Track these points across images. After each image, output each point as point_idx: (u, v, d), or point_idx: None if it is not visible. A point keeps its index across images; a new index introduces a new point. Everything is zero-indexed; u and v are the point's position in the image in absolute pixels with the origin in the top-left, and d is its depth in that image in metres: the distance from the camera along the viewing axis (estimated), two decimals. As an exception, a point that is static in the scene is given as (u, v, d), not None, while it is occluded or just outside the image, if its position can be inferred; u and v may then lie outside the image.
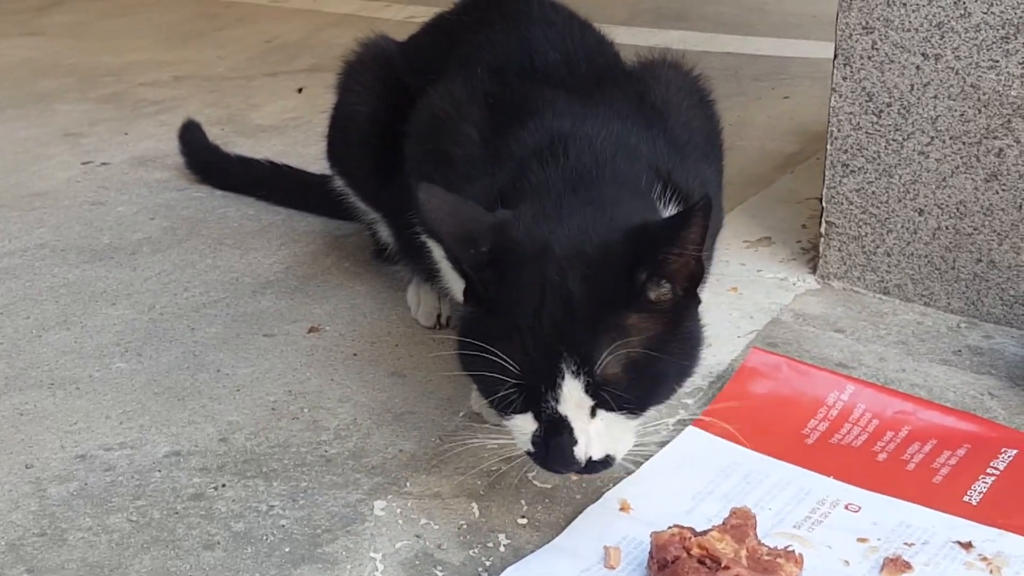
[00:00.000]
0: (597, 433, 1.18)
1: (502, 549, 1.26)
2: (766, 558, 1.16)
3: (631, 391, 1.18)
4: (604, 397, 1.16)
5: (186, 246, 2.00)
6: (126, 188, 2.28)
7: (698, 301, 1.24)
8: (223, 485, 1.37)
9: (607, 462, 1.20)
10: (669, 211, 1.32)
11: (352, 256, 1.94)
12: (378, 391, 1.56)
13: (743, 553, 1.17)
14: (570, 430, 1.17)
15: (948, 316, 1.70)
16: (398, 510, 1.33)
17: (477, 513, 1.32)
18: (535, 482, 1.37)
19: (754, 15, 3.49)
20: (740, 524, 1.21)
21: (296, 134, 2.58)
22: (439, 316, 1.70)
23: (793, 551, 1.18)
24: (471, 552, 1.26)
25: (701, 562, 1.15)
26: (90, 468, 1.41)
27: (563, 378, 1.14)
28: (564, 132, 1.35)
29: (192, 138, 2.27)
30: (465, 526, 1.30)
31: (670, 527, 1.22)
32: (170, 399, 1.55)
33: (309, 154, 2.37)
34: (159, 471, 1.40)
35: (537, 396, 1.16)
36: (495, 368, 1.15)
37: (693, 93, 1.53)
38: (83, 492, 1.36)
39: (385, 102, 1.66)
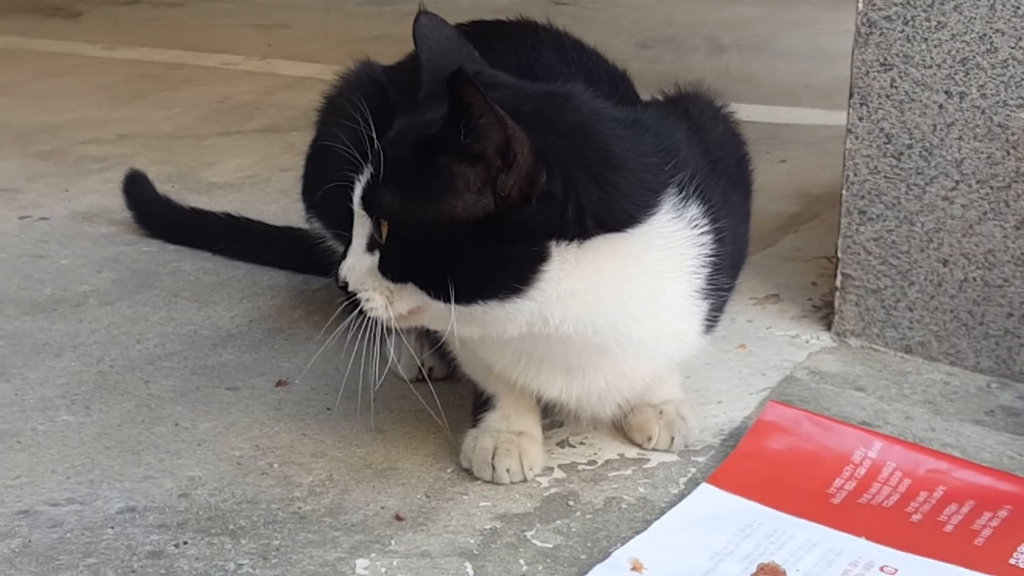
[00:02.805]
0: (362, 266, 1.29)
1: (501, 612, 1.23)
2: (803, 613, 1.14)
3: (392, 246, 1.26)
4: (377, 227, 1.26)
5: (137, 299, 1.97)
6: (69, 242, 2.25)
7: (538, 224, 1.22)
8: (185, 542, 1.33)
9: (354, 297, 1.30)
10: (690, 210, 1.31)
11: (322, 309, 1.91)
12: (356, 446, 1.52)
13: (777, 609, 1.14)
14: (350, 245, 1.31)
15: (976, 376, 1.69)
16: (383, 569, 1.28)
17: (471, 573, 1.28)
18: (535, 541, 1.33)
19: (740, 84, 3.56)
20: (770, 580, 1.18)
21: (253, 191, 2.57)
22: (421, 367, 1.67)
23: (831, 607, 1.15)
24: (467, 615, 1.22)
25: (732, 617, 1.12)
26: (34, 524, 1.35)
27: (361, 176, 1.28)
28: (568, 91, 1.32)
29: (138, 190, 2.25)
30: (459, 587, 1.26)
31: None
32: (123, 453, 1.50)
33: (269, 211, 2.36)
34: (112, 528, 1.35)
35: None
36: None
37: (726, 125, 1.55)
38: (27, 549, 1.31)
39: (371, 134, 1.65)
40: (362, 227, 1.30)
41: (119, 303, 1.96)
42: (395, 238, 1.27)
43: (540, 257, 1.23)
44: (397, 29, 4.45)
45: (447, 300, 1.24)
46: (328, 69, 3.69)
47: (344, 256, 1.33)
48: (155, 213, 2.24)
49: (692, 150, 1.37)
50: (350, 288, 1.31)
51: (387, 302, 1.29)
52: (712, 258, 1.33)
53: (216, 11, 4.96)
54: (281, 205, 2.40)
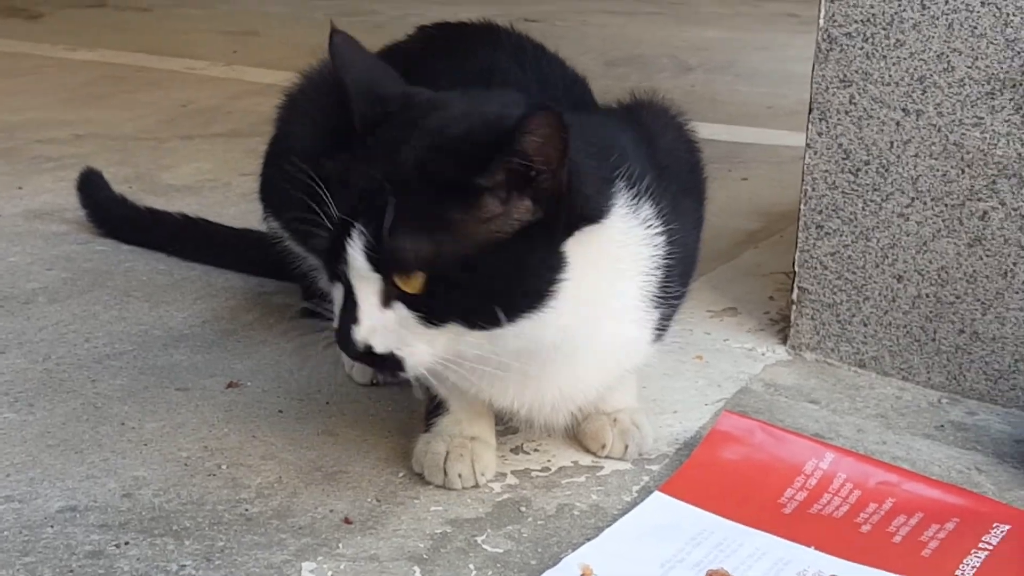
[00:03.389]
0: (384, 324, 1.20)
1: (448, 616, 1.22)
2: (749, 619, 1.13)
3: (431, 291, 1.18)
4: (393, 281, 1.18)
5: (88, 297, 1.95)
6: (19, 239, 2.22)
7: (564, 231, 1.21)
8: (126, 543, 1.31)
9: (392, 362, 1.22)
10: (643, 209, 1.30)
11: (277, 312, 1.90)
12: (306, 449, 1.51)
13: (722, 616, 1.13)
14: (355, 306, 1.20)
15: (928, 391, 1.70)
16: (329, 573, 1.27)
17: (419, 578, 1.27)
18: (485, 546, 1.32)
19: (705, 103, 3.57)
20: (717, 587, 1.18)
21: (213, 195, 2.55)
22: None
23: (777, 614, 1.15)
24: (412, 618, 1.21)
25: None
26: (-29, 521, 1.33)
27: (351, 235, 1.18)
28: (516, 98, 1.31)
29: (93, 188, 2.23)
30: (405, 591, 1.25)
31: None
32: (66, 451, 1.48)
33: (228, 215, 2.34)
34: (52, 526, 1.33)
35: (335, 253, 1.20)
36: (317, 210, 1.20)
37: (679, 132, 1.54)
38: (-37, 545, 1.29)
39: (331, 134, 1.64)
40: (368, 286, 1.20)
41: (69, 301, 1.93)
42: (432, 283, 1.18)
43: (560, 260, 1.22)
44: (365, 40, 4.44)
45: (495, 324, 1.20)
46: (295, 77, 3.71)
47: (348, 321, 1.21)
48: (110, 212, 2.21)
49: (639, 152, 1.37)
50: (378, 351, 1.22)
51: (430, 348, 1.23)
52: (665, 260, 1.33)
53: (183, 17, 4.95)
54: (241, 209, 2.39)
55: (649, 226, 1.30)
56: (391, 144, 1.21)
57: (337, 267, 1.21)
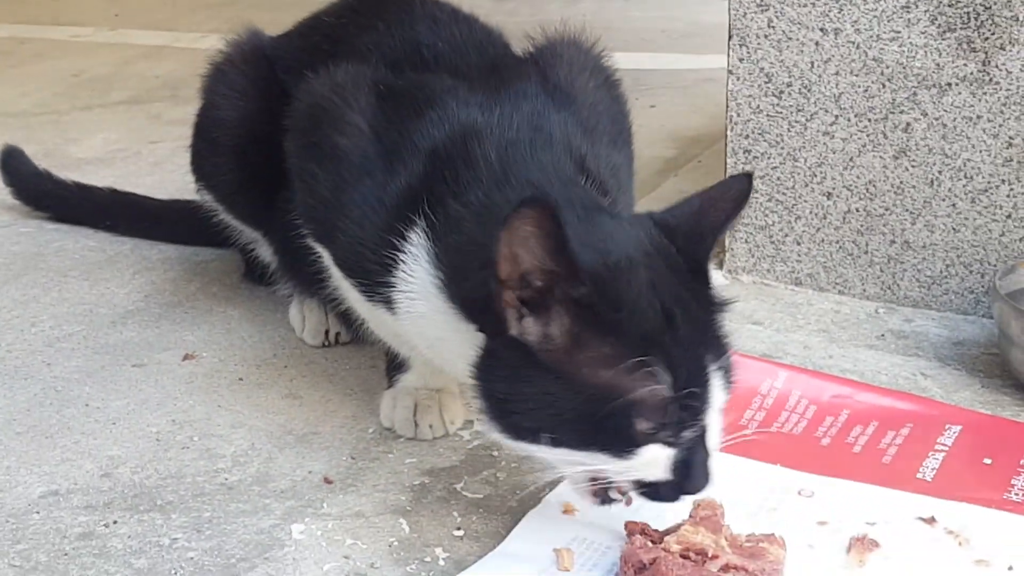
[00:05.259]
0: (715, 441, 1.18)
1: (441, 563, 1.25)
2: (747, 544, 1.19)
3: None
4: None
5: (24, 280, 1.93)
6: (-64, 229, 2.18)
7: None
8: (114, 522, 1.32)
9: None
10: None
11: (219, 280, 1.90)
12: (274, 414, 1.53)
13: (723, 542, 1.19)
14: (704, 439, 1.15)
15: (864, 303, 1.77)
16: (319, 532, 1.30)
17: (407, 529, 1.30)
18: (465, 493, 1.36)
19: (600, 32, 3.56)
20: (710, 515, 1.23)
21: (127, 165, 2.52)
22: (327, 332, 1.68)
23: (774, 535, 1.21)
24: (408, 568, 1.25)
25: (684, 556, 1.16)
26: (-46, 516, 1.33)
27: (710, 376, 1.14)
28: (475, 123, 1.35)
29: (16, 165, 2.19)
30: (396, 543, 1.28)
31: (628, 532, 1.23)
32: (36, 437, 1.48)
33: (146, 184, 2.32)
34: (37, 512, 1.34)
35: (687, 408, 1.12)
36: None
37: (598, 72, 1.54)
38: (-50, 541, 1.29)
39: (259, 105, 1.63)
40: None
41: (5, 287, 1.91)
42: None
43: None
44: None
45: None
46: (184, 37, 3.66)
47: (705, 457, 1.16)
48: (36, 188, 2.18)
49: (580, 141, 1.38)
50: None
51: None
52: None
53: (56, -19, 4.80)
54: (157, 178, 2.37)
55: None
56: (654, 290, 1.15)
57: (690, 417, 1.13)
